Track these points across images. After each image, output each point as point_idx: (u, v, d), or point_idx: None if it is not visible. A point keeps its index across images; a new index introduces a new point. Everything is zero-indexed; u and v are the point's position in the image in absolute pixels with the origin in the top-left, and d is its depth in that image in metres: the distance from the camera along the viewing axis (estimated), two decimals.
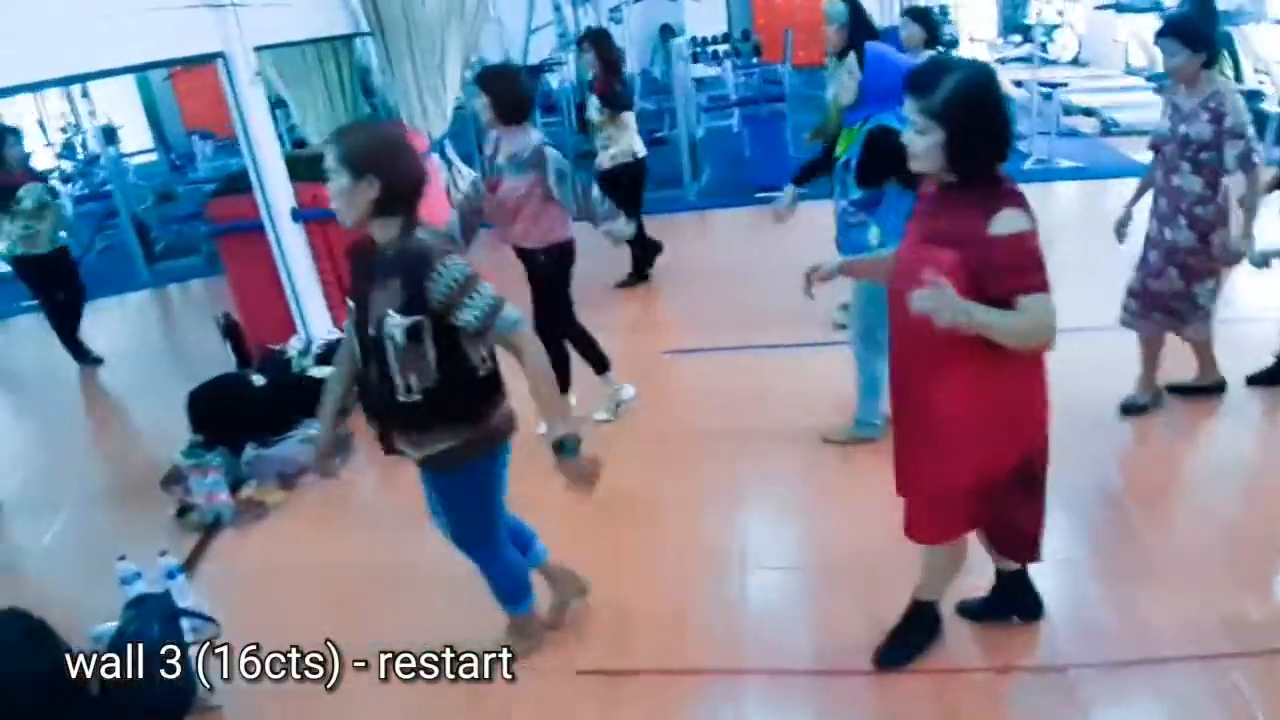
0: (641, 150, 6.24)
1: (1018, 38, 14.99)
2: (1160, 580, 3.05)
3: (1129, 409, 4.03)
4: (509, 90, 4.01)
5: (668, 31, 15.98)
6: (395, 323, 2.36)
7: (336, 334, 5.38)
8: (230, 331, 5.52)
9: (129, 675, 2.85)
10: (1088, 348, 3.82)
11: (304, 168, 5.40)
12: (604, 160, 6.20)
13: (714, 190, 8.88)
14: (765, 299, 5.64)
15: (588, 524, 3.62)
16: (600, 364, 4.55)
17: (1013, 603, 2.89)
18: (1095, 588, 3.08)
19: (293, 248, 5.23)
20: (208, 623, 3.22)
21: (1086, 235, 5.14)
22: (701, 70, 13.11)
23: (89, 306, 7.94)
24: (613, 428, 4.52)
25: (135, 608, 3.01)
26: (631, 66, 13.97)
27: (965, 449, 2.36)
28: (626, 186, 6.11)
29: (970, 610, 2.93)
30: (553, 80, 12.80)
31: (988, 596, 2.91)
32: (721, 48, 14.77)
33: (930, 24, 5.61)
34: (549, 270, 4.24)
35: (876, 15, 8.49)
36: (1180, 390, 4.11)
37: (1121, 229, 3.95)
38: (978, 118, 2.15)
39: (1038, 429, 2.41)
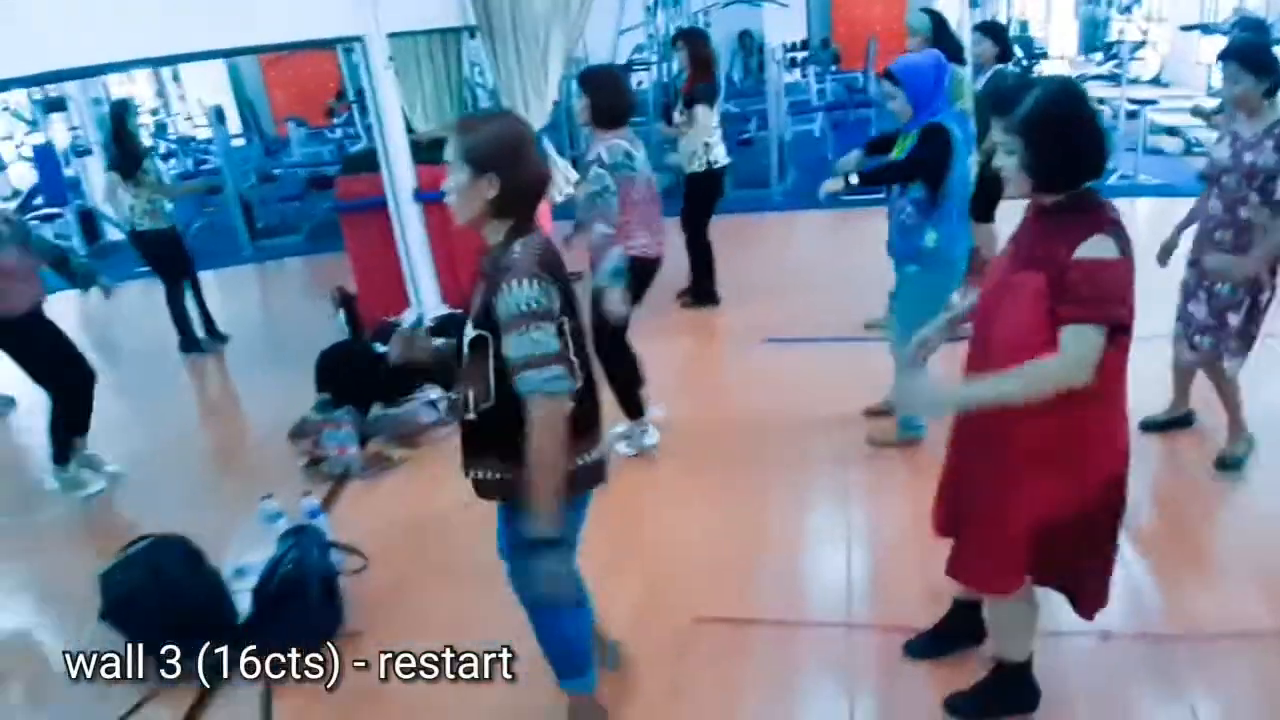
0: (720, 159, 5.92)
1: (1098, 56, 14.92)
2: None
3: (1227, 464, 3.74)
4: (607, 95, 3.93)
5: (746, 37, 16.21)
6: (467, 332, 2.23)
7: (445, 309, 5.68)
8: (345, 303, 5.82)
9: (287, 596, 3.13)
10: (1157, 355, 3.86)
11: (423, 151, 5.73)
12: (686, 165, 5.97)
13: (798, 192, 9.04)
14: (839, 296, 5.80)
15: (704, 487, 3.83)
16: (634, 409, 4.25)
17: (1006, 695, 2.59)
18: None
19: (412, 226, 5.52)
20: (356, 556, 3.49)
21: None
22: (794, 78, 13.31)
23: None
24: (719, 410, 4.70)
25: (294, 536, 3.28)
26: (722, 74, 14.23)
27: (1037, 482, 2.18)
28: (698, 198, 5.99)
29: (958, 707, 2.63)
30: (638, 81, 13.04)
31: (977, 689, 2.62)
32: (801, 55, 14.94)
33: (1003, 39, 5.61)
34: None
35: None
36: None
37: (1167, 255, 3.82)
38: (1062, 133, 2.04)
39: (1119, 460, 2.22)
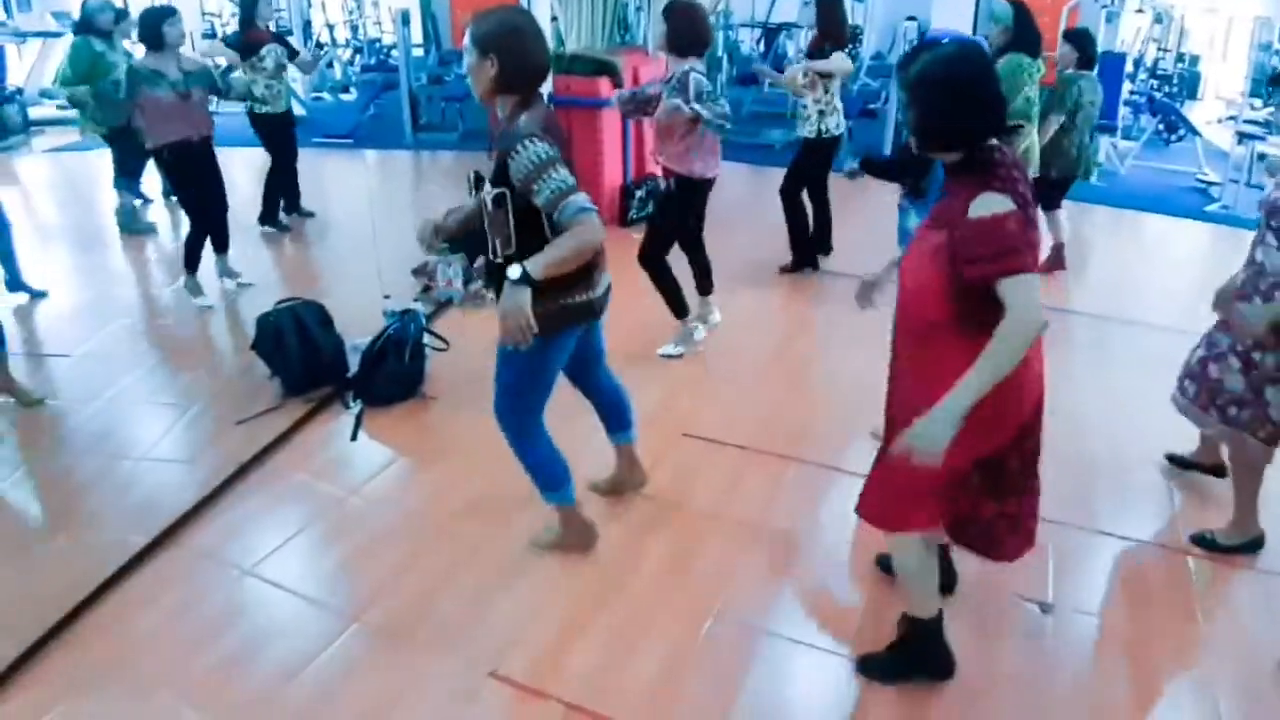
0: (832, 129, 5.69)
1: (1258, 102, 14.55)
2: None
3: (1204, 541, 3.30)
4: (687, 26, 4.21)
5: (912, 21, 16.47)
6: (487, 190, 2.58)
7: None
8: (477, 184, 6.80)
9: (385, 355, 4.13)
10: None
11: (564, 64, 6.67)
12: (801, 129, 5.81)
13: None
14: None
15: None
16: (679, 307, 4.72)
17: (919, 659, 2.64)
18: None
19: None
20: (441, 340, 4.49)
21: None
22: None
23: (362, 154, 9.70)
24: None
25: (400, 316, 4.30)
26: (866, 49, 14.66)
27: (959, 436, 2.13)
28: (802, 161, 5.89)
29: (872, 667, 2.68)
30: (790, 46, 13.59)
31: (890, 649, 2.68)
32: None
33: (1085, 46, 5.75)
34: (667, 195, 4.55)
35: None
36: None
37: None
38: (944, 94, 2.12)
39: (1026, 410, 2.28)
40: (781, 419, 4.13)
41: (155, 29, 4.90)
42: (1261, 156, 8.53)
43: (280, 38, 6.68)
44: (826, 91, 5.59)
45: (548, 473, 2.99)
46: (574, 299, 2.67)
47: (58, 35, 12.08)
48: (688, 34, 4.23)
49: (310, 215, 7.17)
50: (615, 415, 3.30)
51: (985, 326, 2.07)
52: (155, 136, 5.01)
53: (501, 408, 2.86)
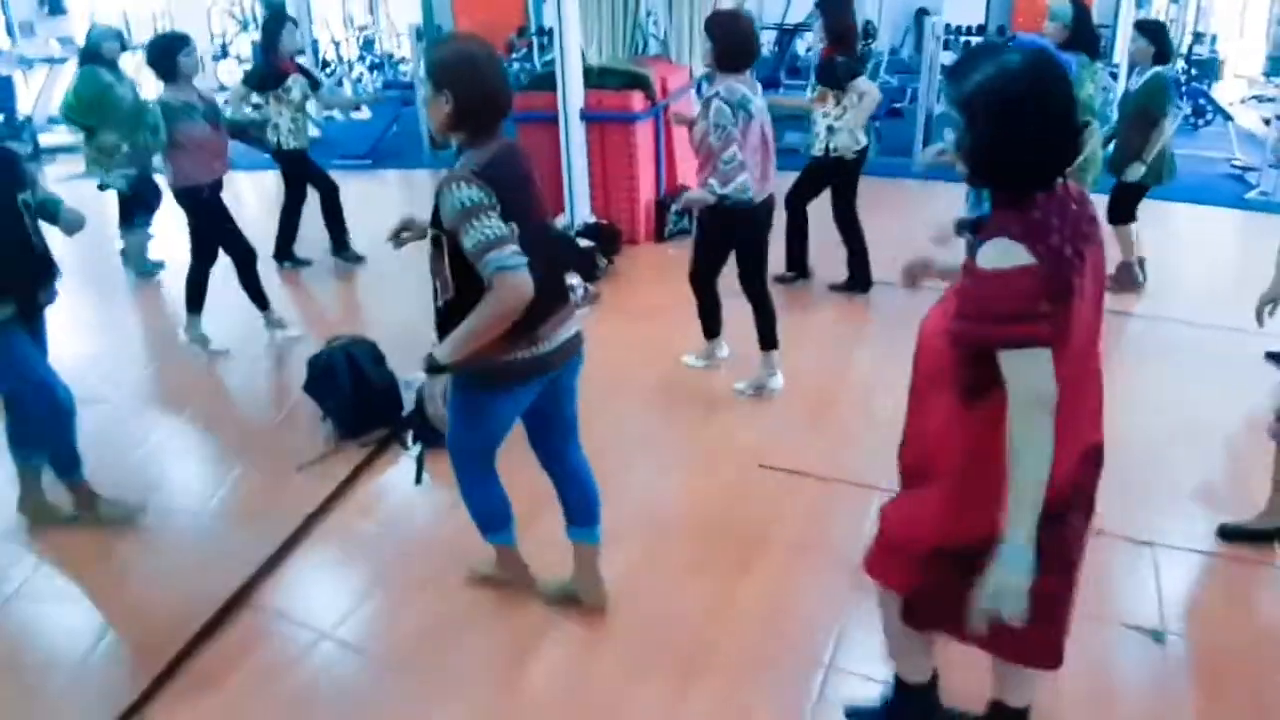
0: (856, 142, 5.35)
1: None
2: None
3: (1229, 534, 3.28)
4: (731, 38, 4.03)
5: (924, 16, 16.33)
6: (428, 230, 2.48)
7: (593, 218, 6.49)
8: None
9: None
10: None
11: (593, 77, 6.53)
12: (815, 146, 5.46)
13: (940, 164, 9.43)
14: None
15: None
16: (710, 329, 4.62)
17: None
18: None
19: (576, 141, 6.34)
20: None
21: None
22: (950, 58, 13.45)
23: (382, 175, 9.57)
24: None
25: None
26: (882, 44, 14.51)
27: (916, 498, 2.04)
28: (835, 185, 5.54)
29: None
30: (801, 45, 13.45)
31: (880, 707, 2.51)
32: (975, 39, 15.02)
33: (1161, 40, 5.40)
34: (710, 222, 4.26)
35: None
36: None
37: (1270, 306, 3.31)
38: (1004, 118, 1.71)
39: (990, 532, 1.83)
40: (855, 445, 3.98)
41: (170, 59, 4.69)
42: None
43: (302, 69, 6.37)
44: (838, 104, 5.25)
45: (485, 515, 2.90)
46: (512, 356, 2.48)
47: (63, 61, 12.01)
48: (734, 47, 4.04)
49: (360, 260, 6.63)
50: (578, 505, 2.93)
51: (979, 394, 1.80)
52: (193, 175, 4.77)
53: (456, 449, 2.77)
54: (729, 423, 4.25)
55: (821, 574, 3.16)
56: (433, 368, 2.37)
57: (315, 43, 12.74)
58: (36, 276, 3.22)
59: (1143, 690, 2.69)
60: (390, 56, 15.31)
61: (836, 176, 5.52)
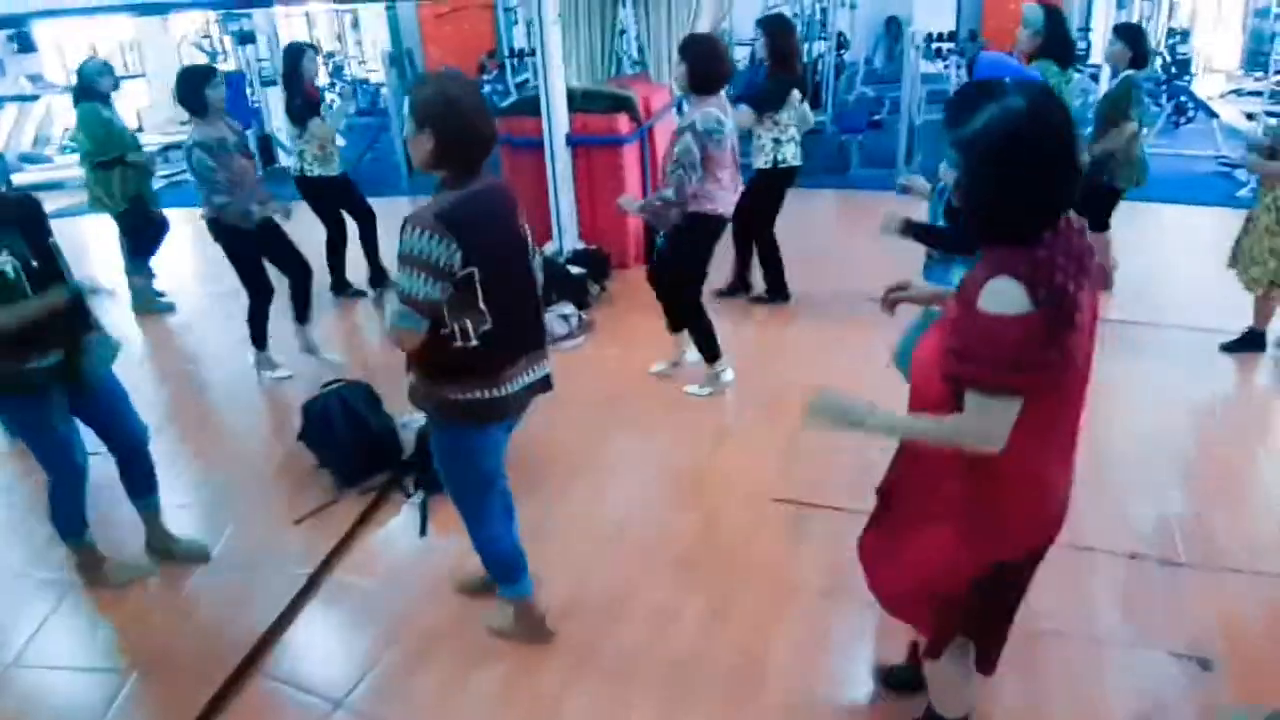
0: (789, 159, 5.45)
1: (1260, 73, 14.49)
2: None
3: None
4: (704, 63, 4.14)
5: (894, 24, 16.40)
6: None
7: (581, 245, 6.39)
8: None
9: None
10: None
11: (577, 101, 6.44)
12: (755, 160, 5.51)
13: (923, 174, 9.40)
14: None
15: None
16: (710, 350, 4.67)
17: None
18: None
19: (562, 166, 6.24)
20: None
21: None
22: (923, 66, 13.49)
23: None
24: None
25: None
26: (855, 55, 14.55)
27: (927, 540, 2.02)
28: (758, 196, 5.48)
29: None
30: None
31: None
32: (947, 45, 15.08)
33: (1139, 43, 5.41)
34: (677, 232, 4.37)
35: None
36: None
37: None
38: (1007, 161, 1.68)
39: (1011, 552, 1.96)
40: (868, 469, 3.88)
41: (197, 92, 4.57)
42: None
43: (321, 96, 6.28)
44: (776, 124, 5.38)
45: (498, 564, 2.88)
46: (471, 395, 2.48)
47: (34, 99, 11.84)
48: (707, 71, 4.14)
49: (362, 294, 6.51)
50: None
51: None
52: (233, 209, 4.62)
53: (453, 493, 2.80)
54: (729, 451, 4.18)
55: (857, 620, 3.05)
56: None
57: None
58: (76, 323, 3.04)
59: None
60: (363, 82, 15.19)
61: (787, 186, 5.59)
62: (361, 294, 6.50)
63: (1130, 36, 5.44)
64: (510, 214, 2.53)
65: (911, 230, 3.36)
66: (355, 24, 17.33)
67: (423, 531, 3.63)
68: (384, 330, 2.40)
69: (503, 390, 2.51)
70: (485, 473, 2.70)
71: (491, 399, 2.50)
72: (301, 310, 5.24)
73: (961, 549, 1.93)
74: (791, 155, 5.46)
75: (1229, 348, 4.91)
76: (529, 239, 2.62)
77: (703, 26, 7.56)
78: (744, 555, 3.40)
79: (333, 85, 15.03)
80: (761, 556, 3.39)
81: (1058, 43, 5.08)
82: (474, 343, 2.40)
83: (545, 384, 2.69)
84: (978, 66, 3.07)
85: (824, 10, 12.30)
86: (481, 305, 2.38)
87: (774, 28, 5.56)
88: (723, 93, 4.27)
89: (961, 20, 16.69)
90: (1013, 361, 1.68)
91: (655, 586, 3.22)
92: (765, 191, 5.56)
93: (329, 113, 6.05)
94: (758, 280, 5.99)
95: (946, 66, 13.99)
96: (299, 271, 5.13)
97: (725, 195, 4.34)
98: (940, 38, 15.26)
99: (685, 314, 4.63)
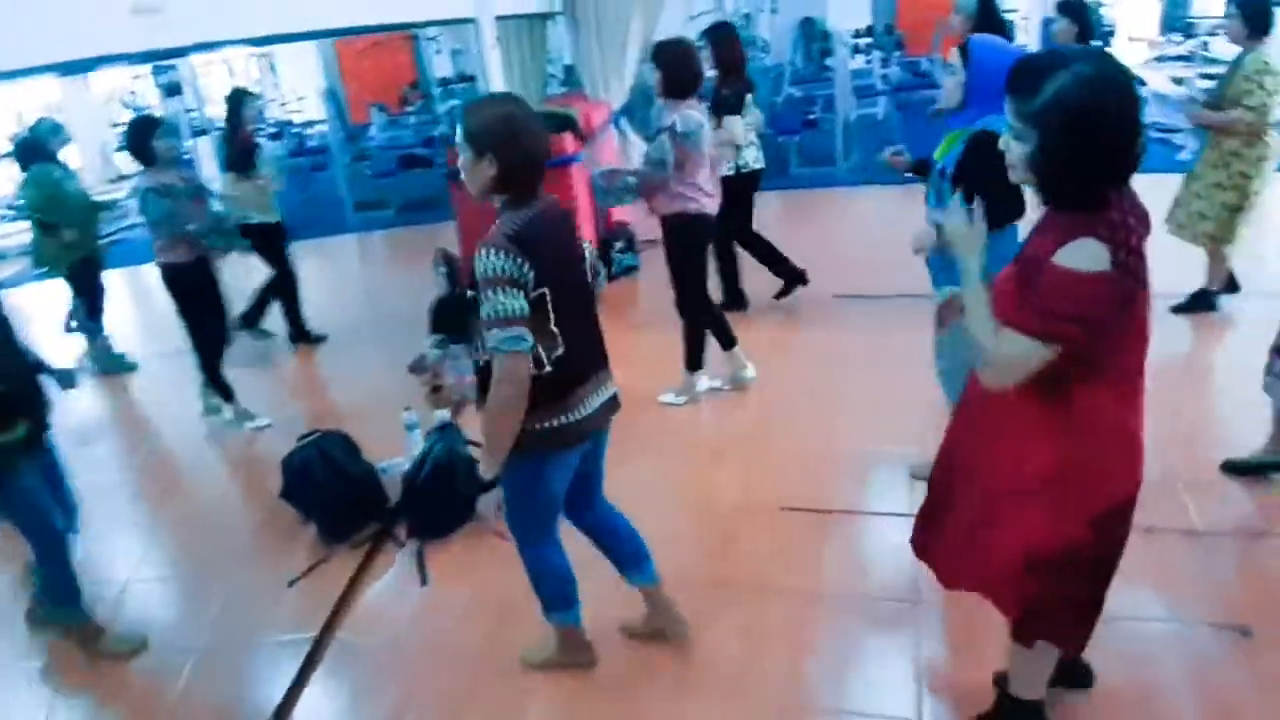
0: (751, 163, 5.46)
1: (1179, 36, 14.85)
2: None
3: (1237, 467, 3.49)
4: (678, 66, 4.17)
5: (808, 25, 16.59)
6: (470, 291, 2.35)
7: None
8: (447, 262, 6.42)
9: (437, 479, 3.71)
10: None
11: None
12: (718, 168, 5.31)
13: (861, 169, 9.48)
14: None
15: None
16: (727, 341, 4.70)
17: None
18: None
19: None
20: None
21: None
22: (856, 62, 13.66)
23: (300, 248, 9.16)
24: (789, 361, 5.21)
25: (440, 432, 3.89)
26: (776, 58, 14.66)
27: (1022, 512, 1.99)
28: (731, 203, 5.30)
29: None
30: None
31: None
32: (865, 41, 15.28)
33: (1085, 19, 5.34)
34: (672, 241, 4.40)
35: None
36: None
37: None
38: (1085, 129, 1.70)
39: (1126, 488, 1.98)
40: (867, 469, 3.84)
41: (144, 143, 4.47)
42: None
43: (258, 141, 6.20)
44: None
45: (553, 592, 2.77)
46: (547, 424, 2.41)
47: None
48: (683, 76, 4.16)
49: (323, 339, 6.34)
50: (622, 552, 2.86)
51: (1056, 392, 1.87)
52: (179, 255, 4.56)
53: (514, 525, 2.69)
54: (732, 465, 4.08)
55: (883, 630, 2.98)
56: (485, 485, 2.35)
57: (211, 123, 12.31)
58: (41, 394, 3.06)
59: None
60: (288, 124, 14.88)
61: (754, 189, 5.57)
62: (322, 338, 6.34)
63: (1074, 11, 5.41)
64: (571, 231, 2.50)
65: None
66: (273, 67, 17.01)
67: (423, 581, 3.46)
68: (495, 371, 2.27)
69: (579, 414, 2.46)
70: (557, 499, 2.62)
71: (569, 424, 2.44)
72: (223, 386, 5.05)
73: (1062, 512, 1.94)
74: (753, 159, 5.44)
75: (1179, 309, 4.98)
76: (586, 255, 2.56)
77: (633, 43, 7.53)
78: (764, 568, 3.31)
79: (259, 129, 14.70)
80: (782, 567, 3.29)
81: (993, 25, 5.04)
82: (548, 369, 2.35)
83: (614, 403, 2.63)
84: (973, 51, 2.99)
85: (747, 16, 12.37)
86: (553, 327, 2.34)
87: (719, 36, 5.50)
88: (693, 100, 4.25)
89: (877, 15, 16.95)
90: (1075, 315, 1.75)
91: (687, 610, 3.04)
92: (732, 198, 5.42)
93: (264, 158, 5.93)
94: (751, 289, 5.89)
95: (869, 61, 14.20)
96: (219, 337, 4.99)
97: (705, 196, 4.33)
98: (858, 34, 15.46)
99: (697, 313, 4.55)
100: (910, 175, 3.67)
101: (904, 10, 17.00)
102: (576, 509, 2.77)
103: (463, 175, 2.33)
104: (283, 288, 6.19)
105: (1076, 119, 1.70)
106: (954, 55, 3.06)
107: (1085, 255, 1.73)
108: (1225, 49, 13.74)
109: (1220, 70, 5.23)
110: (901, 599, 3.04)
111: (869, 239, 7.06)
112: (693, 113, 4.15)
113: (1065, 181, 1.78)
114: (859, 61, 14.09)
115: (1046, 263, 1.76)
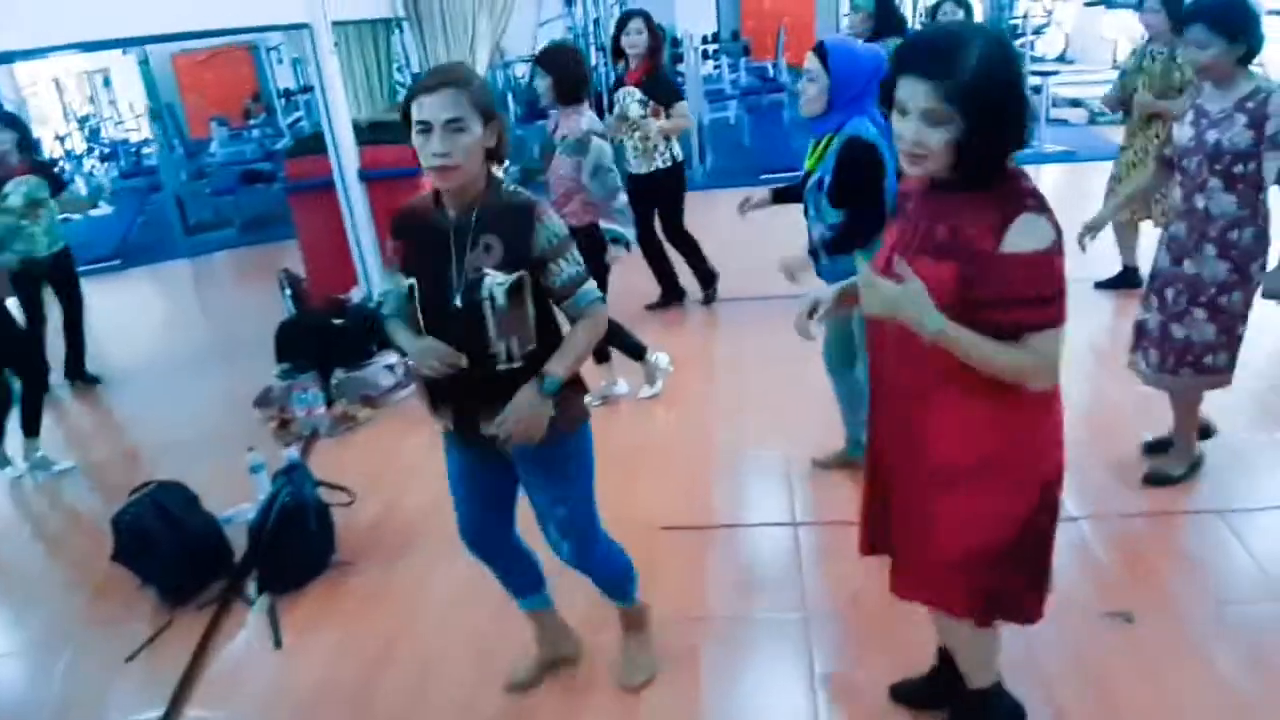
0: (678, 155, 5.47)
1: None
2: None
3: (1158, 479, 3.43)
4: (569, 70, 4.05)
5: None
6: (497, 281, 2.11)
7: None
8: (292, 284, 6.04)
9: (286, 526, 3.40)
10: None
11: (365, 133, 6.00)
12: (643, 164, 5.36)
13: (718, 173, 9.48)
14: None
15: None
16: (636, 351, 4.59)
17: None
18: None
19: (358, 205, 5.77)
20: (343, 492, 3.78)
21: (1072, 212, 5.71)
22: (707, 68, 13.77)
23: (135, 274, 8.54)
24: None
25: (286, 475, 3.55)
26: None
27: (967, 502, 1.92)
28: (668, 196, 5.53)
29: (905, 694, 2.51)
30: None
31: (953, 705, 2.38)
32: (712, 47, 15.44)
33: (887, 11, 5.33)
34: (664, 181, 4.73)
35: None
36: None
37: (1091, 234, 3.31)
38: (1014, 94, 1.68)
39: (1058, 459, 1.95)
40: (749, 477, 3.74)
41: None
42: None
43: (41, 166, 5.73)
44: (668, 117, 5.33)
45: (622, 573, 2.65)
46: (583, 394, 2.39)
47: None
48: (575, 79, 4.08)
49: (96, 381, 5.93)
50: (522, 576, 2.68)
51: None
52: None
53: (583, 525, 2.45)
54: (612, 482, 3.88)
55: (793, 660, 2.88)
56: (554, 388, 2.16)
57: (38, 142, 11.36)
58: None
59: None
60: (123, 143, 13.93)
61: (670, 185, 5.50)
62: (96, 380, 5.92)
63: (965, 4, 5.51)
64: None
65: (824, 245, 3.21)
66: (107, 82, 15.88)
67: (277, 643, 3.14)
68: (585, 337, 2.22)
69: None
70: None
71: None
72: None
73: (1014, 490, 1.91)
74: (678, 151, 5.46)
75: (1103, 285, 5.19)
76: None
77: (482, 49, 7.30)
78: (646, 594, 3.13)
79: (90, 150, 13.75)
80: (668, 587, 3.12)
81: (892, 20, 5.15)
82: None
83: None
84: (832, 51, 2.97)
85: (596, 21, 12.26)
86: None
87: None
88: (585, 105, 4.12)
89: (722, 22, 17.16)
90: (1054, 294, 1.72)
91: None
92: (671, 189, 5.51)
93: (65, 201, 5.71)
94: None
95: (717, 67, 14.34)
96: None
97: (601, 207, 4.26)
98: (705, 40, 15.60)
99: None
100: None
101: (748, 17, 17.29)
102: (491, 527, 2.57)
103: (459, 155, 2.04)
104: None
105: (1006, 85, 1.67)
106: (811, 60, 3.00)
107: (1038, 232, 1.70)
108: (1052, 49, 14.62)
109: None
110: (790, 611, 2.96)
111: (732, 240, 6.98)
112: (594, 115, 4.10)
113: (990, 158, 1.72)
114: (709, 67, 14.22)
115: (993, 251, 1.70)
